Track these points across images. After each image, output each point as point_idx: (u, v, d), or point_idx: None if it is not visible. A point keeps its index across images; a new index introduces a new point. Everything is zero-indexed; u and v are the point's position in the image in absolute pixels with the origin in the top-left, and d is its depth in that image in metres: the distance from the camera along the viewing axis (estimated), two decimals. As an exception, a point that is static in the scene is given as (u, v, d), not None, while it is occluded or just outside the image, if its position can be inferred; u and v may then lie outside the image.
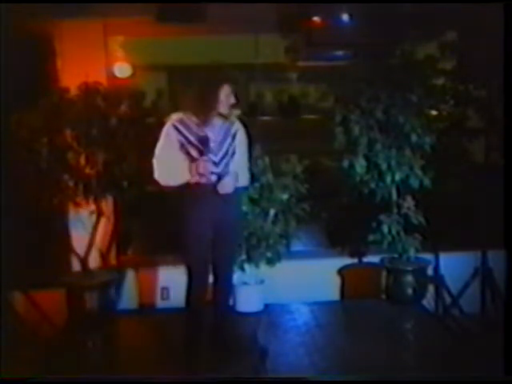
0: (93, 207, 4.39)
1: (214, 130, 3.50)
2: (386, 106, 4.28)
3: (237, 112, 3.62)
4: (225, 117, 3.52)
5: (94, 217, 4.42)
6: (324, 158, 5.33)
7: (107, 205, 4.57)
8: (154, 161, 3.49)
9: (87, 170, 4.28)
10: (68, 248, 4.59)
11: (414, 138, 4.28)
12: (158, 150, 3.49)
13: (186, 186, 3.45)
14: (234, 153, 3.56)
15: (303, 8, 4.79)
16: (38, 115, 4.13)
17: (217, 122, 3.52)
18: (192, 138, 3.45)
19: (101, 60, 4.75)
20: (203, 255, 3.55)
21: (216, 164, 3.47)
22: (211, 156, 3.45)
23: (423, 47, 4.67)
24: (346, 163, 4.35)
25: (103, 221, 4.49)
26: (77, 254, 4.49)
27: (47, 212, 4.36)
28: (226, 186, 3.44)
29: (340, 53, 5.47)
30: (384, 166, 4.32)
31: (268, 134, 5.15)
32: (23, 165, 4.14)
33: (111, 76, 5.19)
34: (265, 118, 7.18)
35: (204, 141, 3.42)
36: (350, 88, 4.41)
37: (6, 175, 4.01)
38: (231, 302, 4.39)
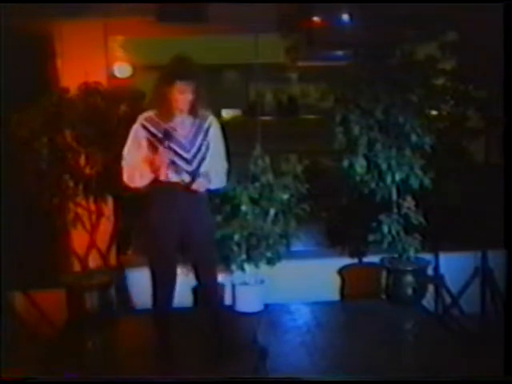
0: (93, 207, 4.39)
1: (183, 127, 3.44)
2: (386, 106, 4.28)
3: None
4: (194, 113, 3.44)
5: (93, 217, 4.42)
6: (324, 158, 5.33)
7: (107, 205, 4.57)
8: (123, 163, 3.46)
9: (87, 170, 4.28)
10: (68, 248, 4.59)
11: (414, 138, 4.28)
12: (124, 153, 3.46)
13: (156, 185, 3.41)
14: (207, 150, 3.49)
15: (303, 8, 4.79)
16: (37, 115, 4.12)
17: (186, 118, 3.45)
18: (160, 135, 3.38)
19: (101, 60, 4.75)
20: (168, 256, 3.52)
21: (188, 162, 3.42)
22: (182, 153, 3.40)
23: (423, 47, 4.67)
24: (345, 163, 4.35)
25: (103, 221, 4.49)
26: (77, 254, 4.49)
27: (47, 212, 4.36)
28: (200, 186, 3.40)
29: (340, 53, 5.47)
30: (384, 166, 4.32)
31: (268, 133, 5.15)
32: (23, 165, 4.14)
33: (111, 76, 5.19)
34: (265, 117, 7.17)
35: (168, 134, 3.36)
36: (350, 88, 4.41)
37: (6, 175, 4.01)
38: (229, 302, 4.41)
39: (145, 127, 3.43)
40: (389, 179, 4.35)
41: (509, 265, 3.48)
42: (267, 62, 6.57)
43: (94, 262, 4.52)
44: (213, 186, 3.54)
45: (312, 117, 7.31)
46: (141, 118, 3.45)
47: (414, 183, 4.34)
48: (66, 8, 4.29)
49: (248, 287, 4.42)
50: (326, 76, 4.97)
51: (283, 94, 7.99)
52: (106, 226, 4.63)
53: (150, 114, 3.45)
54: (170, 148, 3.37)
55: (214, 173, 3.50)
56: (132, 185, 3.46)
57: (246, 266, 4.38)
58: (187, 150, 3.43)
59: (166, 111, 3.40)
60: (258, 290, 4.46)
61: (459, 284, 4.60)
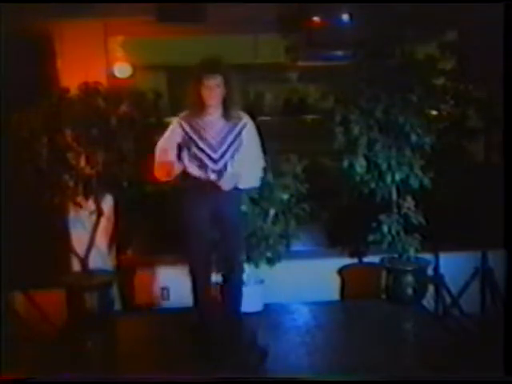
0: (93, 207, 4.39)
1: (213, 127, 3.49)
2: (386, 106, 4.28)
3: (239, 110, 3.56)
4: (225, 114, 3.48)
5: (93, 217, 4.42)
6: (324, 158, 5.33)
7: (107, 205, 4.57)
8: (156, 158, 3.52)
9: (87, 170, 4.28)
10: (68, 248, 4.59)
11: (413, 138, 4.28)
12: (158, 148, 3.54)
13: (186, 182, 3.48)
14: (237, 150, 3.53)
15: (303, 8, 4.79)
16: (37, 115, 4.13)
17: (217, 118, 3.50)
18: (191, 133, 3.47)
19: (101, 60, 4.75)
20: (203, 252, 3.56)
21: (215, 161, 3.47)
22: (210, 152, 3.46)
23: (423, 47, 4.67)
24: (346, 163, 4.35)
25: (103, 221, 4.49)
26: (77, 254, 4.49)
27: (47, 212, 4.36)
28: (225, 184, 3.45)
29: (340, 53, 5.47)
30: (384, 166, 4.32)
31: (268, 133, 5.15)
32: (23, 165, 4.14)
33: (111, 76, 5.19)
34: (264, 117, 7.18)
35: (198, 133, 3.45)
36: (350, 88, 4.41)
37: (6, 175, 4.01)
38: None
39: (181, 125, 3.50)
40: (389, 179, 4.35)
41: (509, 265, 3.48)
42: (267, 61, 6.59)
43: (93, 262, 4.53)
44: (243, 186, 3.58)
45: (312, 117, 7.32)
46: (179, 117, 3.53)
47: (414, 183, 4.34)
48: (66, 8, 4.29)
49: (248, 287, 4.42)
50: (326, 76, 4.97)
51: (283, 93, 8.00)
52: (106, 226, 4.64)
53: (185, 113, 3.52)
54: (198, 147, 3.45)
55: (246, 173, 3.53)
56: (162, 179, 3.48)
57: (246, 266, 4.37)
58: (215, 149, 3.47)
59: (197, 110, 3.46)
60: (258, 289, 4.46)
61: (459, 284, 4.60)
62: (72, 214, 4.54)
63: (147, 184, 4.13)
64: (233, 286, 3.70)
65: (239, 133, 3.52)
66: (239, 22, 4.75)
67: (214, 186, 3.46)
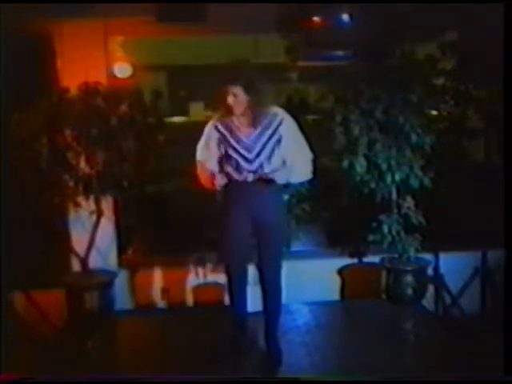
0: (93, 207, 4.39)
1: (246, 127, 3.44)
2: (386, 106, 4.28)
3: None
4: (255, 114, 3.40)
5: (93, 217, 4.42)
6: (324, 158, 5.33)
7: (107, 205, 4.57)
8: (197, 166, 3.55)
9: (87, 170, 4.28)
10: (68, 248, 4.59)
11: (414, 138, 4.28)
12: (198, 154, 3.55)
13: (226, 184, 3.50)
14: (276, 147, 3.44)
15: (303, 8, 4.79)
16: (37, 115, 4.12)
17: (248, 119, 3.42)
18: (225, 135, 3.46)
19: (101, 60, 4.75)
20: (240, 254, 3.55)
21: (250, 161, 3.42)
22: (244, 153, 3.42)
23: (423, 47, 4.67)
24: (346, 163, 4.35)
25: (103, 221, 4.49)
26: (77, 254, 4.50)
27: (47, 212, 4.36)
28: (278, 178, 3.40)
29: (340, 53, 5.47)
30: (384, 166, 4.32)
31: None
32: (23, 165, 4.14)
33: (111, 76, 5.19)
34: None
35: (231, 134, 3.44)
36: (350, 88, 4.41)
37: (6, 175, 4.01)
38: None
39: (216, 127, 3.49)
40: (389, 179, 4.35)
41: (509, 265, 3.48)
42: (267, 61, 6.58)
43: (93, 262, 4.53)
44: (295, 180, 3.54)
45: (312, 117, 7.31)
46: (214, 119, 3.52)
47: (414, 183, 4.34)
48: (66, 8, 4.29)
49: (248, 287, 4.41)
50: (326, 76, 4.97)
51: (283, 94, 7.99)
52: (106, 226, 4.64)
53: (218, 115, 3.51)
54: (233, 147, 3.43)
55: (291, 167, 3.45)
56: (210, 188, 3.52)
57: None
58: (249, 149, 3.42)
59: (226, 113, 3.44)
60: (258, 290, 4.45)
61: (459, 284, 4.60)
62: (72, 213, 4.54)
63: (147, 184, 4.14)
64: (271, 290, 3.73)
65: (275, 131, 3.43)
66: (239, 21, 4.74)
67: (251, 187, 3.42)
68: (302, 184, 3.75)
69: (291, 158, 3.46)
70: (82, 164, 4.27)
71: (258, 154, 3.43)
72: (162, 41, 6.05)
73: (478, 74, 4.45)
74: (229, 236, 3.51)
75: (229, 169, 3.46)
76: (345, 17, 4.81)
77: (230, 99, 3.36)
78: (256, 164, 3.42)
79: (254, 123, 3.42)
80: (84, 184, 4.28)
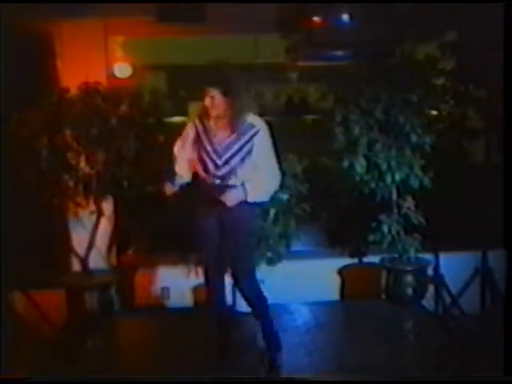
0: (93, 207, 4.39)
1: (220, 132, 3.40)
2: (386, 106, 4.28)
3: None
4: (233, 120, 3.35)
5: (94, 217, 4.42)
6: (324, 158, 5.33)
7: (107, 205, 4.57)
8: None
9: (87, 170, 4.28)
10: (68, 248, 4.60)
11: (414, 138, 4.28)
12: (175, 147, 3.59)
13: (195, 185, 3.50)
14: (245, 158, 3.34)
15: (303, 8, 4.79)
16: (37, 115, 4.13)
17: (225, 124, 3.38)
18: (200, 135, 3.45)
19: (101, 60, 4.75)
20: (213, 254, 3.52)
21: (218, 167, 3.36)
22: (214, 157, 3.37)
23: (423, 47, 4.67)
24: (346, 163, 4.35)
25: (103, 221, 4.49)
26: (77, 254, 4.50)
27: (47, 212, 4.36)
28: (228, 199, 3.27)
29: (340, 53, 5.46)
30: (384, 166, 4.32)
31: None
32: (23, 165, 4.14)
33: (111, 76, 5.19)
34: (264, 117, 7.16)
35: (205, 136, 3.43)
36: (350, 88, 4.41)
37: (6, 175, 4.01)
38: (230, 302, 4.40)
39: (195, 124, 3.49)
40: (389, 179, 4.35)
41: (509, 265, 3.48)
42: (267, 61, 6.58)
43: (93, 262, 4.53)
44: (251, 199, 3.33)
45: (312, 117, 7.31)
46: (196, 118, 3.50)
47: (414, 183, 4.34)
48: (66, 8, 4.29)
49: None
50: (326, 76, 4.97)
51: (283, 93, 7.99)
52: (106, 226, 4.64)
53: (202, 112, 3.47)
54: (205, 150, 3.41)
55: (255, 185, 3.32)
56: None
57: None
58: (220, 155, 3.36)
59: (203, 115, 3.44)
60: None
61: (459, 284, 4.60)
62: (72, 214, 4.54)
63: (147, 184, 4.14)
64: (257, 313, 3.64)
65: (248, 140, 3.33)
66: (239, 22, 4.74)
67: (217, 191, 3.33)
68: (258, 204, 3.48)
69: (257, 174, 3.32)
70: (82, 164, 4.27)
71: (227, 161, 3.35)
72: (162, 41, 6.04)
73: (478, 74, 4.45)
74: (200, 237, 3.53)
75: (198, 168, 3.45)
76: (345, 17, 4.80)
77: (207, 101, 3.31)
78: (223, 170, 3.36)
79: (229, 128, 3.36)
80: (84, 184, 4.28)
